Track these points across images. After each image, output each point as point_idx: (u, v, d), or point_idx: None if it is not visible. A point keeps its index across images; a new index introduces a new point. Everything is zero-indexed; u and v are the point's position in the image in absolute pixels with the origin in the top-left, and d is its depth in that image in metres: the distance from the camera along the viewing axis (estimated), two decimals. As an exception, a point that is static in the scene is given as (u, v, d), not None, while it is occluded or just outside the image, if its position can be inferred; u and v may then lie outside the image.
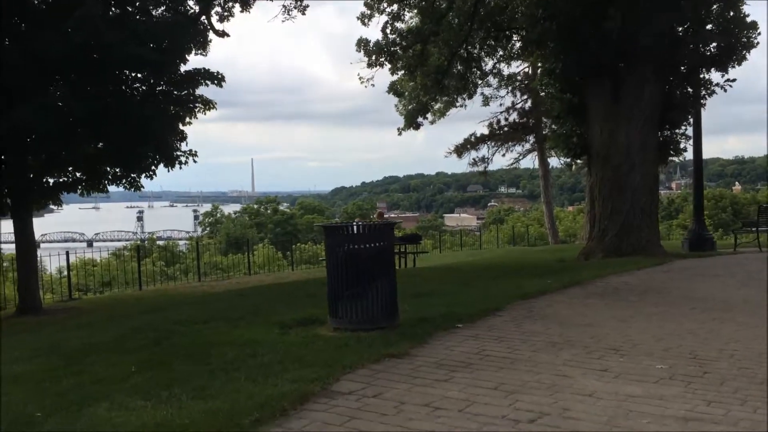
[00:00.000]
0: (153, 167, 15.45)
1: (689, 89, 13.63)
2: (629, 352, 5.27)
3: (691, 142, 14.35)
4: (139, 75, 14.54)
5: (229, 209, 77.75)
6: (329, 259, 6.37)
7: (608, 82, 13.12)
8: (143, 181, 15.84)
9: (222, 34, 15.63)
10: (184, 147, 15.35)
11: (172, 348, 6.05)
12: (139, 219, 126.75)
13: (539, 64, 15.46)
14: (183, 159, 15.46)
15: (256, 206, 67.21)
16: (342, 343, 5.60)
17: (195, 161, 15.73)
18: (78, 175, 15.55)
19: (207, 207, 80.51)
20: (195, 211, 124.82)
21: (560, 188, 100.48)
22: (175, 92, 15.23)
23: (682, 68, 13.39)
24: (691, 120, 14.07)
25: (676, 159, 14.42)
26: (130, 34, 12.19)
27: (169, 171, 15.51)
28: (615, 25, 11.56)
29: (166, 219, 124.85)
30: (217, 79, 14.91)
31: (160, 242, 43.92)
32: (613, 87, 13.09)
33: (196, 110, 15.51)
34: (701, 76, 13.64)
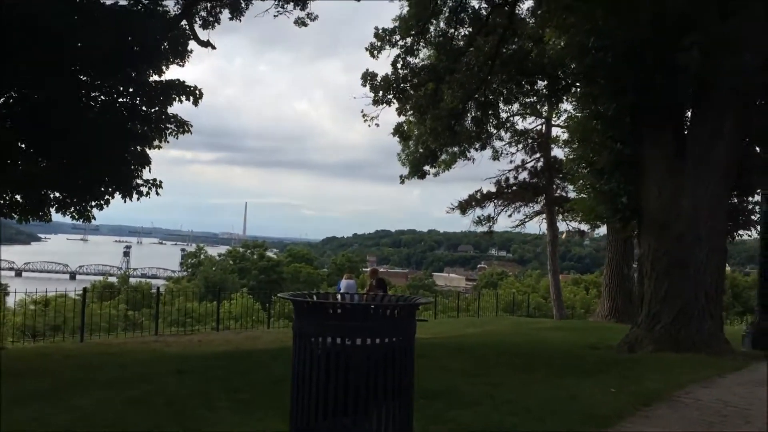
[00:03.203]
0: (107, 196, 12.89)
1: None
2: None
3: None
4: (98, 81, 12.09)
5: (217, 251, 74.49)
6: (298, 356, 3.57)
7: (671, 131, 10.60)
8: (96, 212, 13.26)
9: (206, 44, 13.19)
10: (146, 175, 12.81)
11: None
12: (126, 254, 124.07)
13: (580, 108, 12.89)
14: (144, 189, 12.90)
15: (241, 250, 63.97)
16: None
17: (158, 193, 13.17)
18: (17, 197, 12.92)
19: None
20: (183, 250, 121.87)
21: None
22: (143, 108, 12.75)
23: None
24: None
25: (746, 234, 11.73)
26: (84, 16, 9.66)
27: (125, 202, 12.89)
28: (693, 58, 9.07)
29: (153, 256, 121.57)
30: (193, 94, 12.40)
31: (132, 280, 40.65)
32: (677, 136, 10.56)
33: (167, 132, 13.02)
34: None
